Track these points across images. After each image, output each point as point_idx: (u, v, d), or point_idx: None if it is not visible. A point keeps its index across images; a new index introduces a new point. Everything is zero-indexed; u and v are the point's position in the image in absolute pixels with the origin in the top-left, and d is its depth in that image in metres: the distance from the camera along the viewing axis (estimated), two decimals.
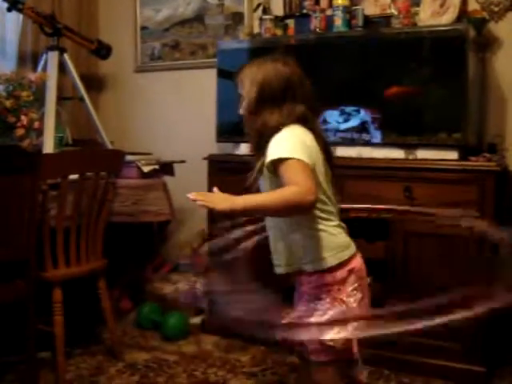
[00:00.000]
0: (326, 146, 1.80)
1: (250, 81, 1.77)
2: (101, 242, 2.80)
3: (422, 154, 2.68)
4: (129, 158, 3.11)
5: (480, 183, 2.53)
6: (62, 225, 2.57)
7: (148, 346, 3.05)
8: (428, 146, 2.66)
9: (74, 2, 3.81)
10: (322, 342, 1.73)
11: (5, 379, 2.58)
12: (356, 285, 1.76)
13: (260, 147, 1.73)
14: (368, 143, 2.80)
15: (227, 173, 3.01)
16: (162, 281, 3.48)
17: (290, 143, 1.66)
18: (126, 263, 3.43)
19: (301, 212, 1.64)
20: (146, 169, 3.28)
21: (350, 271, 1.76)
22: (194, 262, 3.59)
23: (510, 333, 2.87)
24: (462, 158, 2.62)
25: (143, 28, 3.96)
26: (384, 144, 2.76)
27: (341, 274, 1.74)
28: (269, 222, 1.84)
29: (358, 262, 1.80)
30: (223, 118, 3.16)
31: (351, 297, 1.75)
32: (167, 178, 3.45)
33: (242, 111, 1.81)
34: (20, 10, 3.16)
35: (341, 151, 2.82)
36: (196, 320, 3.27)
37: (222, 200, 1.60)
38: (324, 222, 1.74)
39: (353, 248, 1.80)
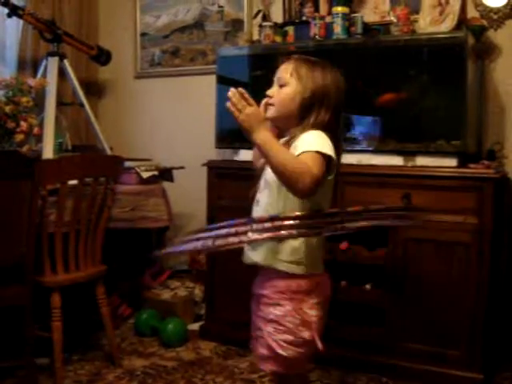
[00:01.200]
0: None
1: (306, 79, 1.75)
2: (100, 248, 2.79)
3: (421, 161, 2.68)
4: (128, 163, 3.12)
5: (479, 190, 2.53)
6: (61, 230, 2.57)
7: (146, 352, 3.04)
8: (427, 153, 2.66)
9: (74, 7, 3.82)
10: (269, 349, 1.71)
11: None
12: (320, 299, 1.75)
13: (283, 136, 1.75)
14: (367, 150, 2.81)
15: (226, 179, 3.02)
16: (161, 287, 3.48)
17: (323, 142, 1.66)
18: (124, 269, 3.43)
19: (293, 188, 1.57)
20: (145, 175, 3.28)
21: (318, 284, 1.75)
22: (192, 268, 3.58)
23: (508, 340, 2.87)
24: (461, 165, 2.63)
25: (143, 34, 3.97)
26: (383, 151, 2.76)
27: (309, 284, 1.72)
28: (261, 197, 1.80)
29: (324, 280, 1.79)
30: (222, 125, 3.16)
31: (313, 310, 1.72)
32: (166, 184, 3.45)
33: (272, 94, 1.79)
34: (20, 16, 3.16)
35: None
36: (194, 326, 3.27)
37: (251, 121, 1.66)
38: None
39: (322, 267, 1.80)
